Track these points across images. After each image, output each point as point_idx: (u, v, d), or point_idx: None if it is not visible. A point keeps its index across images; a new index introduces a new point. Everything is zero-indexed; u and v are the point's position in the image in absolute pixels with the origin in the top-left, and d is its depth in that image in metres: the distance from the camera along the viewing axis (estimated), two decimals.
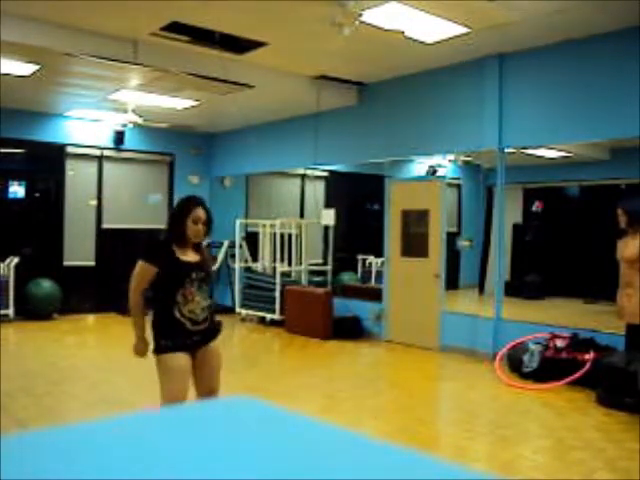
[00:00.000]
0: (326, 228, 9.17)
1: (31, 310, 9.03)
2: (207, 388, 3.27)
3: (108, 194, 10.22)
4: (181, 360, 3.13)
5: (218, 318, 3.40)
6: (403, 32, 5.60)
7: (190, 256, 3.18)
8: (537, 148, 7.07)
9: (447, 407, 5.54)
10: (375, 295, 8.23)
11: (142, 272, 3.13)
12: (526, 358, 5.79)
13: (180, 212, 3.20)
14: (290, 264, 9.16)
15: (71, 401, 5.12)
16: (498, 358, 6.16)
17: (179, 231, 3.15)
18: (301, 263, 9.13)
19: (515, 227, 9.63)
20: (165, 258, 3.13)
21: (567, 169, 8.59)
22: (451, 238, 7.54)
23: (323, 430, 0.76)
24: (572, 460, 3.86)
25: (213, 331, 3.30)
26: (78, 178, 9.99)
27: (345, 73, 7.68)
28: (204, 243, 3.39)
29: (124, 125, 9.36)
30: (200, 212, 3.16)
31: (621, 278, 5.03)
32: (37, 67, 6.67)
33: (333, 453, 0.69)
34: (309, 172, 10.07)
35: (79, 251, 9.93)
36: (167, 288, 3.11)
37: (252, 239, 9.80)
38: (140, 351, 3.28)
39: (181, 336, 3.12)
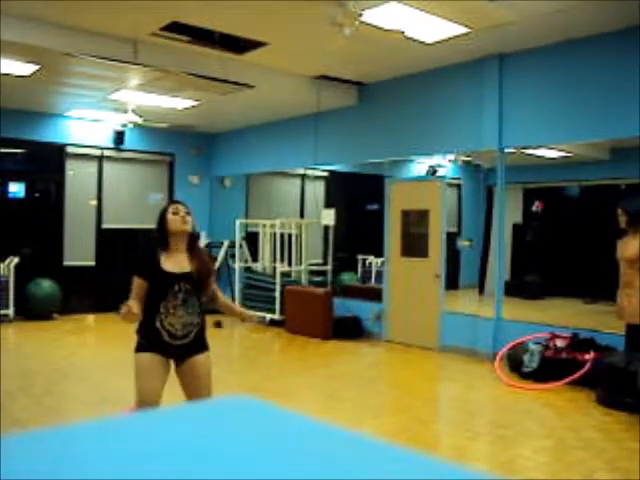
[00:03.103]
0: (326, 228, 9.17)
1: (31, 310, 9.03)
2: (194, 398, 3.24)
3: (108, 194, 10.22)
4: (152, 359, 3.14)
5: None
6: (403, 32, 5.60)
7: (177, 265, 3.17)
8: (537, 148, 7.07)
9: (447, 407, 5.54)
10: (375, 295, 8.23)
11: (136, 286, 3.19)
12: (526, 358, 5.79)
13: (161, 212, 3.32)
14: (290, 264, 9.15)
15: (71, 401, 5.12)
16: (498, 358, 6.16)
17: (163, 229, 3.22)
18: (301, 263, 9.12)
19: (515, 227, 9.63)
20: (150, 269, 3.17)
21: (567, 169, 8.59)
22: (451, 238, 7.53)
23: (323, 430, 0.76)
24: (572, 460, 3.86)
25: (196, 346, 3.24)
26: (78, 178, 9.99)
27: (345, 73, 7.68)
28: (201, 242, 3.38)
29: (124, 125, 9.35)
30: (177, 205, 3.31)
31: (621, 278, 5.03)
32: (37, 67, 6.67)
33: (333, 453, 0.69)
34: (309, 172, 10.07)
35: (79, 251, 9.93)
36: (153, 298, 3.15)
37: (252, 239, 9.79)
38: (127, 314, 2.97)
39: (158, 344, 3.16)
